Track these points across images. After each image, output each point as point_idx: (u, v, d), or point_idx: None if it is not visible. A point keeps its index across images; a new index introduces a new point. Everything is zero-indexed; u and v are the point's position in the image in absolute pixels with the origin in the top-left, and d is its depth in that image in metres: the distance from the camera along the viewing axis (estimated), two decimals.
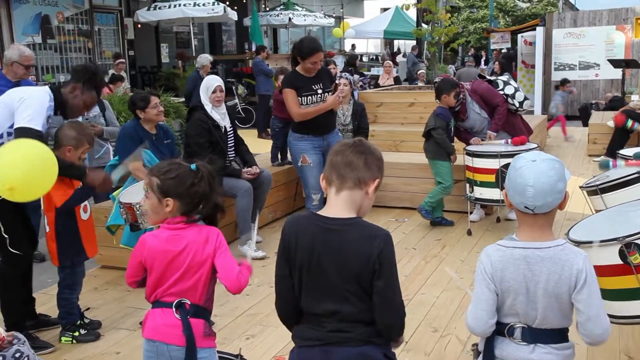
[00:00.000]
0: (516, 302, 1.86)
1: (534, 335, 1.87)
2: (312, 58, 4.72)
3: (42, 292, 4.23)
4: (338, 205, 1.90)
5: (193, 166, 2.26)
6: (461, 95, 5.55)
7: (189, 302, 2.21)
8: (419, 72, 14.64)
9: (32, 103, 3.26)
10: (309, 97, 4.86)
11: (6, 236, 3.38)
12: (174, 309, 2.19)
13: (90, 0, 12.94)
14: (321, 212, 1.92)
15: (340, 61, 16.26)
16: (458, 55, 31.28)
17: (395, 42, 31.65)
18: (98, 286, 4.44)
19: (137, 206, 3.49)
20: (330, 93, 4.97)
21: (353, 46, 25.25)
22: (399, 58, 22.62)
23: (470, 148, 5.37)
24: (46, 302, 4.04)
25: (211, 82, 5.05)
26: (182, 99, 10.40)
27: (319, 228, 1.89)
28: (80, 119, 5.06)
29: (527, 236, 1.89)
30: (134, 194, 3.73)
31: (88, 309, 3.87)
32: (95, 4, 13.11)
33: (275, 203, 6.03)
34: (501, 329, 1.93)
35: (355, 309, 1.86)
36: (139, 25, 14.30)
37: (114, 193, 4.61)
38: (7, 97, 3.36)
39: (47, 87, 3.47)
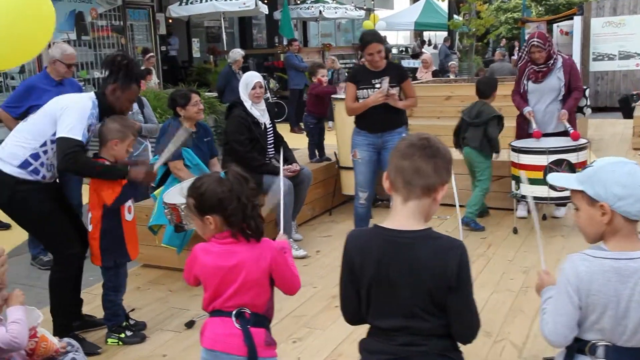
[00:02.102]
0: (603, 318, 1.72)
1: (620, 354, 1.74)
2: (367, 49, 4.59)
3: (86, 292, 4.19)
4: (406, 216, 1.79)
5: (222, 174, 2.17)
6: (552, 58, 5.29)
7: (249, 311, 2.14)
8: (450, 64, 14.40)
9: (73, 112, 3.24)
10: (365, 90, 4.69)
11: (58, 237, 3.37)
12: (233, 318, 2.12)
13: None
14: (387, 224, 1.81)
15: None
16: (489, 46, 30.77)
17: (425, 33, 31.28)
18: (140, 285, 4.42)
19: (182, 207, 3.44)
20: (394, 88, 4.64)
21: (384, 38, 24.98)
22: (430, 49, 22.30)
23: (516, 144, 5.21)
24: (90, 301, 4.02)
25: (251, 78, 4.98)
26: (215, 94, 10.36)
27: (386, 242, 1.78)
28: None
29: (618, 246, 1.75)
30: (178, 194, 3.69)
31: (133, 309, 3.84)
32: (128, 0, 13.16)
33: (313, 200, 5.94)
34: (581, 347, 1.79)
35: (427, 324, 1.76)
36: (170, 20, 14.33)
37: (155, 192, 4.60)
38: (51, 106, 3.35)
39: (91, 94, 3.44)
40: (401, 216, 1.79)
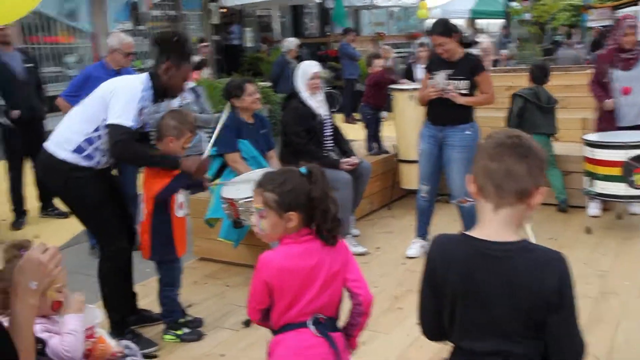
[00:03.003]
0: None
1: None
2: (432, 40, 4.37)
3: (142, 284, 4.14)
4: (498, 225, 1.58)
5: (303, 170, 2.02)
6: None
7: (324, 316, 1.99)
8: (501, 52, 13.89)
9: (122, 96, 3.13)
10: (431, 79, 4.45)
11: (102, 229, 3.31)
12: (312, 327, 1.97)
13: None
14: (476, 233, 1.61)
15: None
16: (545, 33, 29.79)
17: (478, 21, 30.44)
18: (197, 280, 4.33)
19: (240, 202, 3.32)
20: (462, 82, 4.34)
21: None
22: (482, 38, 21.64)
23: (589, 137, 4.89)
24: (147, 294, 3.95)
25: (308, 68, 4.81)
26: (269, 84, 10.26)
27: (478, 254, 1.58)
28: (176, 103, 4.98)
29: None
30: (236, 188, 3.57)
31: (190, 305, 3.75)
32: None
33: (372, 194, 5.75)
34: None
35: (524, 349, 1.56)
36: (225, 10, 14.31)
37: (212, 185, 4.50)
38: (102, 89, 3.25)
39: (144, 75, 3.31)
40: (493, 225, 1.59)
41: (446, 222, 5.33)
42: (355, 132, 6.97)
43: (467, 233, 1.63)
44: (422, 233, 4.76)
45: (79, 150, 3.18)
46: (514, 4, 17.84)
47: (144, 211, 3.29)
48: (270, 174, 2.05)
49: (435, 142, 4.50)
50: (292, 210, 1.95)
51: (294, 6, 17.26)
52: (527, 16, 19.77)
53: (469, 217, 4.55)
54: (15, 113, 5.37)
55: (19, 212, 5.63)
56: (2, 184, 5.70)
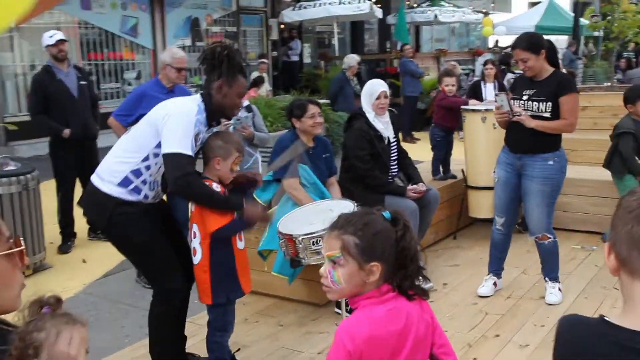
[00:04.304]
0: None
1: None
2: (515, 55, 3.92)
3: (189, 321, 3.81)
4: None
5: (387, 214, 1.65)
6: None
7: None
8: (566, 69, 13.14)
9: (177, 121, 2.79)
10: (515, 101, 3.96)
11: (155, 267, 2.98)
12: None
13: (237, 1, 12.96)
14: (622, 321, 1.18)
15: (484, 60, 15.12)
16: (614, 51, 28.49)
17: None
18: (248, 317, 3.98)
19: (300, 238, 2.95)
20: (544, 104, 3.83)
21: (496, 42, 23.77)
22: None
23: None
24: (194, 333, 3.63)
25: (375, 88, 4.43)
26: (327, 101, 9.95)
27: (622, 350, 1.15)
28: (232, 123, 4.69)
29: None
30: (294, 221, 3.20)
31: (239, 350, 3.40)
32: (242, 5, 13.11)
33: (437, 222, 5.29)
34: None
35: None
36: (283, 26, 14.16)
37: (268, 212, 4.15)
38: (153, 114, 2.92)
39: (197, 97, 2.98)
40: None
41: (519, 254, 4.85)
42: (416, 153, 6.51)
43: (609, 320, 1.20)
44: (495, 269, 4.29)
45: (124, 183, 2.87)
46: (583, 20, 17.03)
47: (197, 249, 2.94)
48: (346, 216, 1.69)
49: (513, 170, 4.02)
50: (375, 260, 1.59)
51: (354, 22, 17.01)
52: (598, 32, 18.92)
53: (549, 256, 4.06)
54: (67, 132, 5.20)
55: (67, 234, 5.44)
56: (51, 204, 5.54)
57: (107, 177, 2.90)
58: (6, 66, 9.71)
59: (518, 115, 3.85)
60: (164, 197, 3.29)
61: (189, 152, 2.77)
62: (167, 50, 4.58)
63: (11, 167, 4.88)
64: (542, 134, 3.85)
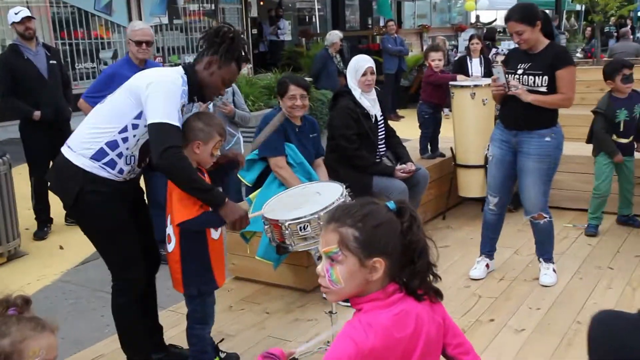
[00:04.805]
0: None
1: None
2: (508, 27, 3.73)
3: (171, 310, 3.67)
4: None
5: (391, 204, 1.47)
6: None
7: None
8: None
9: (163, 90, 2.57)
10: (509, 75, 3.78)
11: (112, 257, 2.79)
12: None
13: None
14: None
15: (467, 35, 14.95)
16: (593, 24, 28.39)
17: None
18: (233, 304, 3.81)
19: (287, 223, 2.78)
20: (540, 78, 3.67)
21: (477, 18, 23.57)
22: None
23: None
24: (175, 323, 3.46)
25: (361, 63, 4.24)
26: (310, 79, 9.74)
27: None
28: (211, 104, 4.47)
29: None
30: (280, 205, 3.02)
31: (223, 340, 3.23)
32: None
33: (425, 202, 5.15)
34: None
35: None
36: (262, 2, 13.83)
37: (251, 195, 3.98)
38: (133, 82, 2.69)
39: (179, 68, 2.77)
40: None
41: (511, 234, 4.74)
42: (402, 131, 6.34)
43: None
44: (488, 250, 4.16)
45: (98, 155, 2.64)
46: None
47: (170, 236, 2.76)
48: (344, 206, 1.50)
49: (508, 147, 3.87)
50: (378, 256, 1.41)
51: None
52: (578, 7, 18.81)
53: (544, 236, 3.94)
54: (37, 114, 4.95)
55: (43, 220, 5.21)
56: (26, 189, 5.30)
57: (79, 149, 2.67)
58: None
59: (514, 89, 3.69)
60: (141, 178, 3.09)
61: (177, 123, 2.56)
62: (130, 24, 4.33)
63: None
64: (538, 109, 3.69)
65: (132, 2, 11.13)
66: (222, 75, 2.74)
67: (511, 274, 4.14)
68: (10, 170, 4.72)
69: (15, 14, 5.00)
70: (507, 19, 3.69)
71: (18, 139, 5.40)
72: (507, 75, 3.74)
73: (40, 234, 5.19)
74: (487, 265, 4.14)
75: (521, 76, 3.73)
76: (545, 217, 3.87)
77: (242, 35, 2.85)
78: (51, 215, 5.31)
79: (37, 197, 5.18)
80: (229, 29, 2.72)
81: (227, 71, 2.75)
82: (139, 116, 2.62)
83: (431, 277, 1.48)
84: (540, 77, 3.67)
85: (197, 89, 2.76)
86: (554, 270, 3.96)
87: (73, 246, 4.93)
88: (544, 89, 3.68)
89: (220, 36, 2.70)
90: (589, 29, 12.26)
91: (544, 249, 3.97)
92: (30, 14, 5.05)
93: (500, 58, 5.56)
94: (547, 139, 3.72)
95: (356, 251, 1.40)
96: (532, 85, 3.70)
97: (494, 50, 10.49)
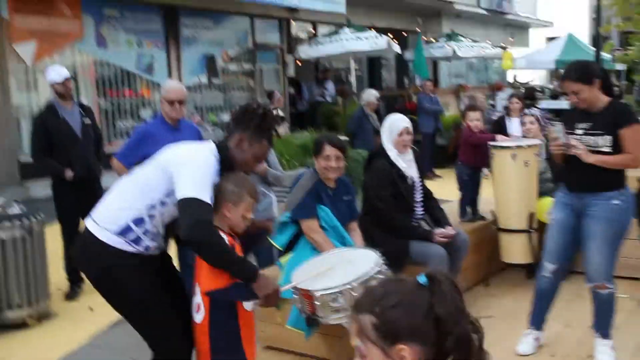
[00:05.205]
0: None
1: None
2: (565, 87, 3.55)
3: None
4: None
5: (422, 278, 1.29)
6: None
7: None
8: None
9: (195, 166, 2.51)
10: (568, 135, 3.59)
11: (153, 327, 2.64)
12: None
13: (253, 38, 12.87)
14: None
15: (506, 95, 14.84)
16: (634, 84, 27.95)
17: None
18: None
19: (318, 294, 2.60)
20: (602, 138, 3.46)
21: (514, 77, 23.52)
22: None
23: None
24: None
25: (396, 123, 4.14)
26: (346, 138, 9.68)
27: None
28: None
29: None
30: (312, 273, 2.86)
31: None
32: (259, 41, 13.02)
33: (466, 269, 4.85)
34: None
35: None
36: (299, 63, 14.01)
37: (282, 260, 3.82)
38: (166, 158, 2.63)
39: (211, 144, 2.73)
40: None
41: (559, 304, 4.40)
42: (439, 191, 6.14)
43: None
44: (537, 322, 3.87)
45: (124, 232, 2.55)
46: (605, 54, 16.75)
47: (200, 305, 2.60)
48: (367, 289, 1.34)
49: (572, 211, 3.64)
50: (403, 342, 1.23)
51: (371, 58, 16.87)
52: (619, 67, 18.58)
53: (605, 309, 3.63)
54: (69, 174, 4.96)
55: (74, 280, 5.14)
56: (60, 248, 5.25)
57: (104, 224, 2.59)
58: (22, 105, 9.59)
59: (575, 149, 3.50)
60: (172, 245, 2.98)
61: (208, 200, 2.46)
62: (164, 83, 4.33)
63: (15, 210, 4.62)
64: (605, 170, 3.48)
65: (173, 62, 11.40)
66: (253, 153, 2.71)
67: (562, 349, 3.83)
68: (42, 229, 4.69)
69: (57, 74, 5.07)
70: (564, 78, 3.54)
71: (43, 198, 5.41)
72: (566, 135, 3.56)
73: (71, 294, 5.12)
74: (537, 339, 3.85)
75: (582, 136, 3.54)
76: (609, 288, 3.58)
77: (271, 111, 2.82)
78: (83, 276, 5.23)
79: (67, 257, 5.12)
80: (258, 106, 2.72)
81: (258, 148, 2.71)
82: (168, 194, 2.55)
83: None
84: (603, 136, 3.47)
85: (228, 166, 2.69)
86: (611, 348, 3.64)
87: (102, 306, 4.80)
88: (607, 149, 3.47)
89: (250, 113, 2.67)
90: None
91: (603, 323, 3.66)
92: (69, 75, 5.13)
93: (528, 119, 5.35)
94: (616, 201, 3.49)
95: (377, 340, 1.23)
96: (595, 145, 3.50)
97: (532, 111, 10.31)
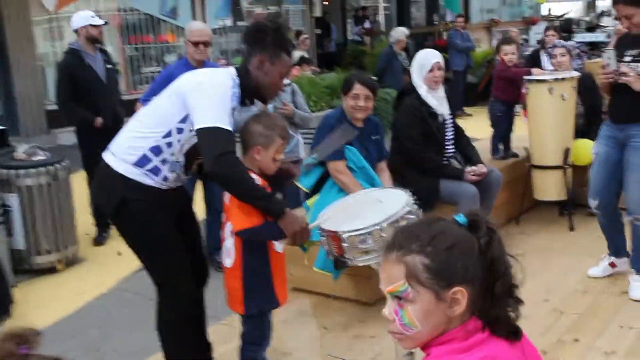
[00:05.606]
0: None
1: None
2: (617, 10, 3.33)
3: (222, 324, 3.46)
4: None
5: (461, 218, 1.21)
6: None
7: None
8: None
9: (212, 92, 2.40)
10: (618, 62, 3.38)
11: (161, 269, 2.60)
12: None
13: None
14: None
15: (540, 29, 14.25)
16: None
17: (600, 3, 27.89)
18: (288, 318, 3.57)
19: (345, 236, 2.53)
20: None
21: (549, 10, 22.59)
22: (609, 21, 19.60)
23: None
24: (228, 339, 3.20)
25: (427, 59, 3.95)
26: (375, 78, 9.46)
27: None
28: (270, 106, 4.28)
29: None
30: (338, 213, 2.78)
31: None
32: None
33: (497, 207, 4.74)
34: None
35: None
36: (326, 2, 13.65)
37: (308, 202, 3.75)
38: (179, 84, 2.52)
39: (231, 69, 2.59)
40: None
41: (592, 241, 4.28)
42: (470, 130, 5.95)
43: None
44: (612, 248, 3.80)
45: (142, 162, 2.47)
46: None
47: (231, 250, 2.55)
48: (405, 229, 1.24)
49: (615, 144, 3.49)
50: (458, 284, 1.15)
51: None
52: None
53: None
54: (99, 121, 4.90)
55: (102, 226, 5.17)
56: (85, 195, 5.28)
57: (121, 155, 2.51)
58: (47, 54, 9.57)
59: (625, 76, 3.30)
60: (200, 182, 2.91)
61: (229, 127, 2.37)
62: (187, 25, 4.20)
63: (40, 157, 4.63)
64: None
65: (197, 5, 11.20)
66: (277, 71, 2.55)
67: (596, 286, 3.73)
68: (68, 177, 4.69)
69: (92, 17, 4.92)
70: (615, 1, 3.30)
71: (71, 145, 5.37)
72: (617, 62, 3.36)
73: (99, 239, 5.15)
74: (612, 264, 3.78)
75: (629, 63, 3.34)
76: None
77: (285, 25, 2.67)
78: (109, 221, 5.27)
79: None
80: (271, 22, 2.57)
81: (281, 64, 2.55)
82: (184, 120, 2.45)
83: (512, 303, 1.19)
84: None
85: (253, 92, 2.58)
86: None
87: (130, 252, 4.86)
88: None
89: (264, 32, 2.52)
90: None
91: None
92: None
93: (559, 51, 5.06)
94: None
95: (430, 283, 1.14)
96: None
97: (572, 43, 9.89)
